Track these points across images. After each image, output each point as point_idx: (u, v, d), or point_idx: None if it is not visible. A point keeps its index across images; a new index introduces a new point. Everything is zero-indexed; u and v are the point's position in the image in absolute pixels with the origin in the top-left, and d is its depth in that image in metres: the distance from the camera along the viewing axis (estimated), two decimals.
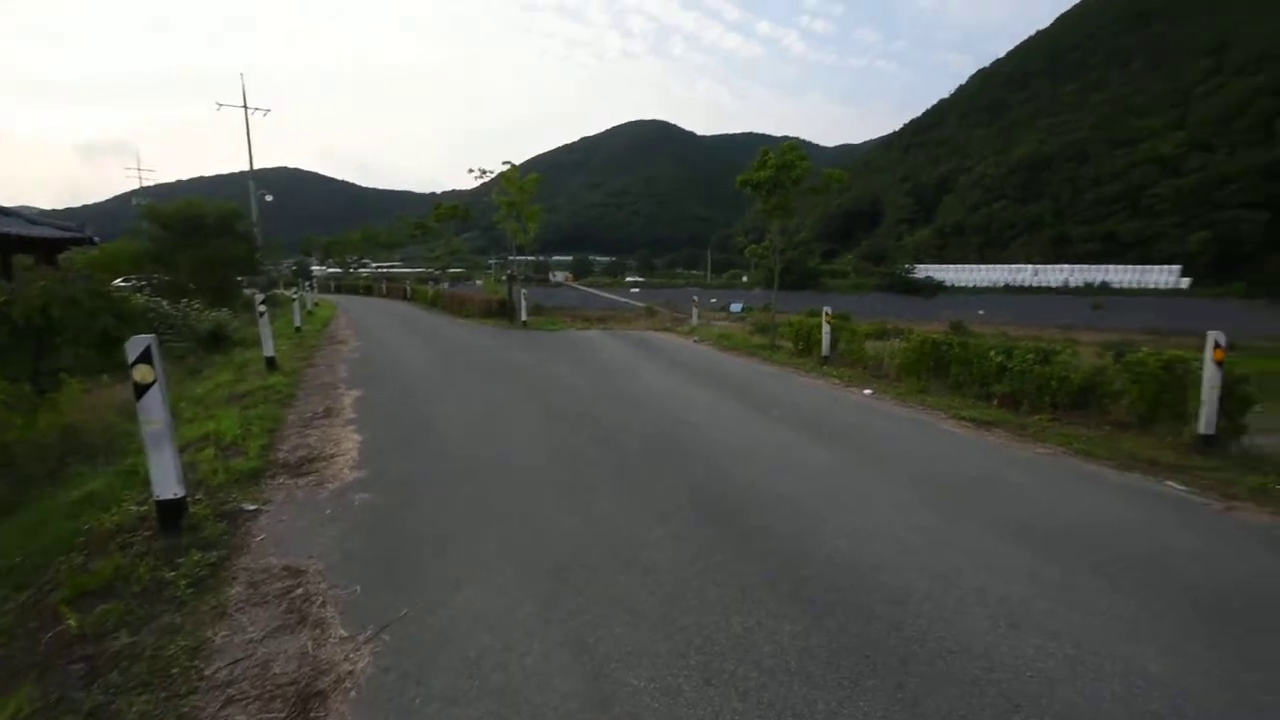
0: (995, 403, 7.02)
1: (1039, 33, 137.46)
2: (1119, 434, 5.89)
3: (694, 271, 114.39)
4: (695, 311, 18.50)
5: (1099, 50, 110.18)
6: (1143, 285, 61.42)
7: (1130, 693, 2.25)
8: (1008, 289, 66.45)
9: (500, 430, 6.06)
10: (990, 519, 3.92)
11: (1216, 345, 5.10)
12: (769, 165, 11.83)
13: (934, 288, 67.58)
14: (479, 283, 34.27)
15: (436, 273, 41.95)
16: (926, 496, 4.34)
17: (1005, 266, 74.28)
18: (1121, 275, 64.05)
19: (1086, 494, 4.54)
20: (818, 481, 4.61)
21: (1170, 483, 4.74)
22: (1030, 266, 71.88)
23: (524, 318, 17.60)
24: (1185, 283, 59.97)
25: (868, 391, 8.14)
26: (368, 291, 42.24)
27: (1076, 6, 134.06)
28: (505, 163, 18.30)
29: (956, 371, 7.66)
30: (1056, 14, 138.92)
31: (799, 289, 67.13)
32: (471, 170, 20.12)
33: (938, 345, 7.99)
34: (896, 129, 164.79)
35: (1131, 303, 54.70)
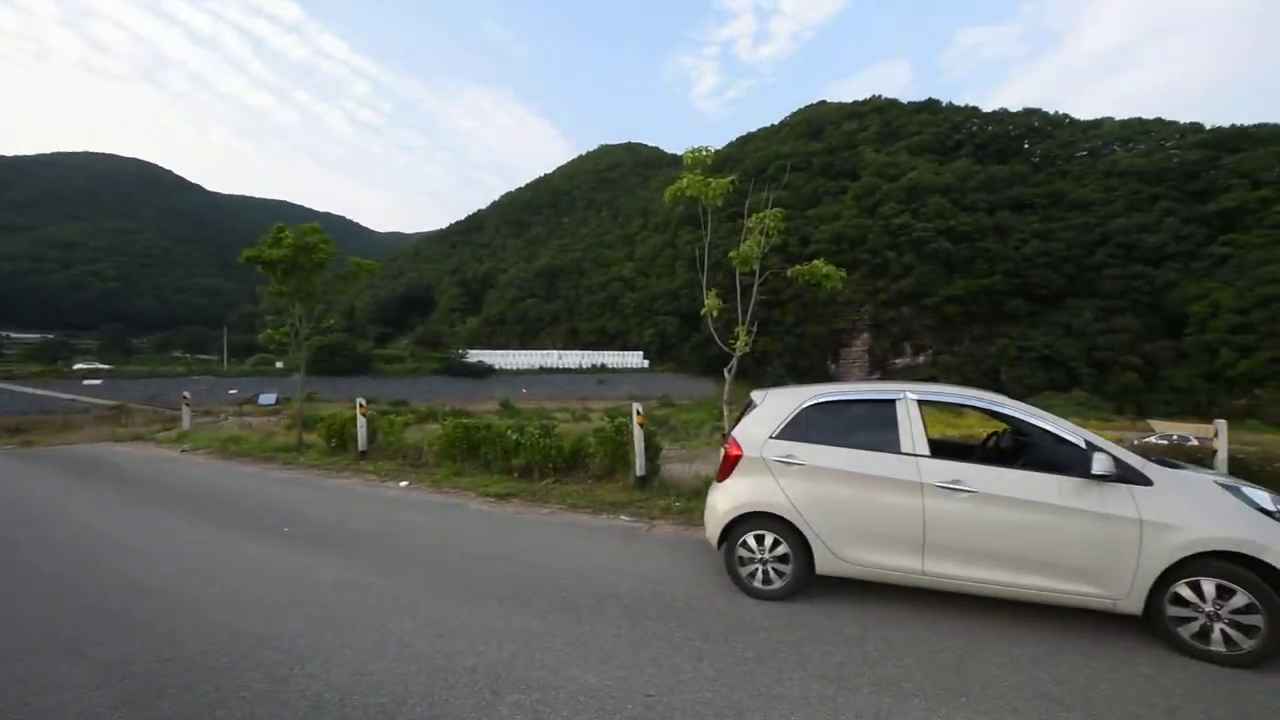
0: (515, 475, 8.03)
1: (545, 175, 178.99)
2: (597, 484, 7.65)
3: (205, 356, 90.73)
4: (187, 411, 14.32)
5: (584, 198, 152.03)
6: (625, 365, 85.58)
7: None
8: (543, 370, 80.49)
9: None
10: (493, 589, 4.29)
11: (638, 412, 7.34)
12: (285, 244, 10.64)
13: (486, 370, 75.00)
14: None
15: None
16: (442, 589, 4.41)
17: (539, 351, 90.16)
18: (612, 358, 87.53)
19: (573, 539, 5.61)
20: (327, 610, 4.05)
21: (622, 516, 6.41)
22: (556, 351, 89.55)
23: None
24: (646, 363, 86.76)
25: (404, 484, 7.98)
26: None
27: (570, 163, 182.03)
28: None
29: (485, 451, 8.43)
30: (556, 165, 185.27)
31: (351, 374, 62.24)
32: None
33: (469, 429, 8.64)
34: (444, 226, 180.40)
35: (621, 378, 74.99)
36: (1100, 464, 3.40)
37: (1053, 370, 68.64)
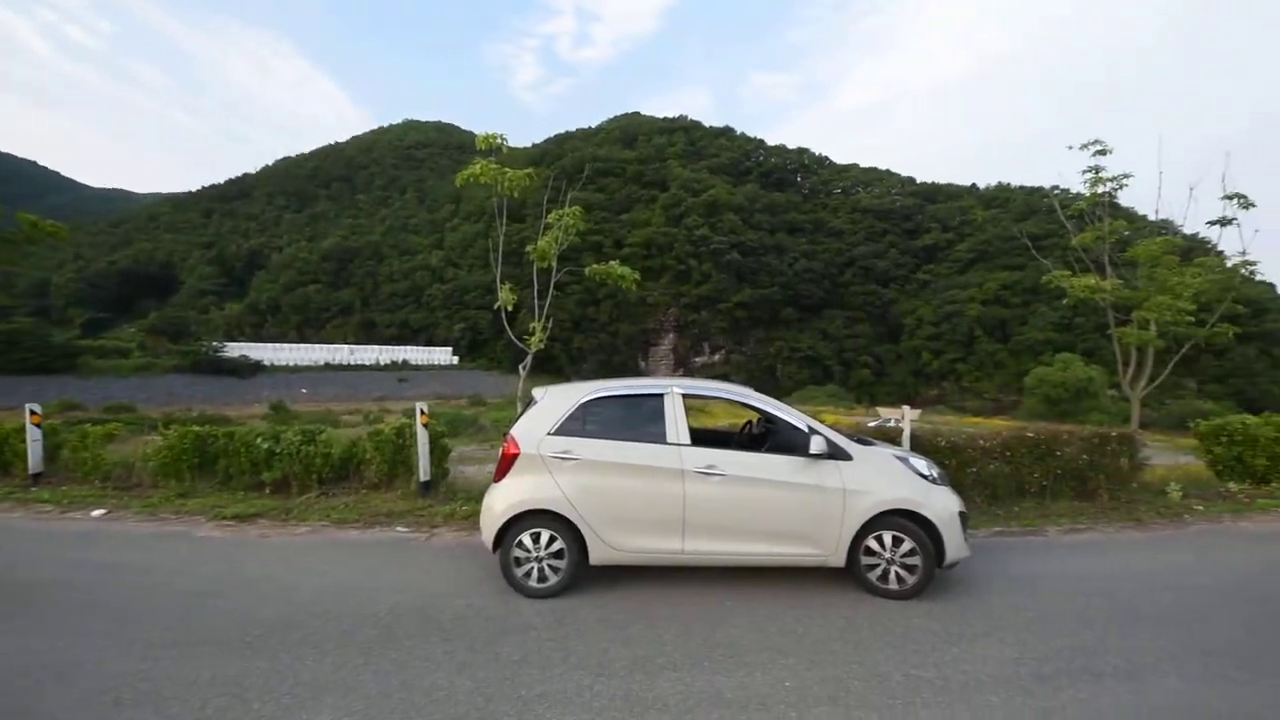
0: (268, 491, 6.78)
1: (337, 143, 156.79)
2: (372, 494, 6.84)
3: None
4: None
5: (384, 175, 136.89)
6: (431, 362, 79.26)
7: None
8: (329, 367, 70.24)
9: None
10: (211, 633, 3.51)
11: (422, 412, 6.76)
12: None
13: (252, 367, 62.92)
14: None
15: None
16: (136, 643, 3.47)
17: (325, 346, 78.55)
18: (417, 354, 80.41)
19: (332, 560, 4.90)
20: None
21: (399, 528, 5.82)
22: (347, 346, 79.05)
23: None
24: (455, 360, 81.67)
25: (99, 513, 6.18)
26: None
27: (369, 134, 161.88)
28: None
29: (225, 464, 6.97)
30: (350, 134, 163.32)
31: (42, 372, 47.14)
32: None
33: (201, 438, 7.06)
34: (194, 189, 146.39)
35: (425, 376, 69.30)
36: (816, 445, 4.05)
37: (814, 367, 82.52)
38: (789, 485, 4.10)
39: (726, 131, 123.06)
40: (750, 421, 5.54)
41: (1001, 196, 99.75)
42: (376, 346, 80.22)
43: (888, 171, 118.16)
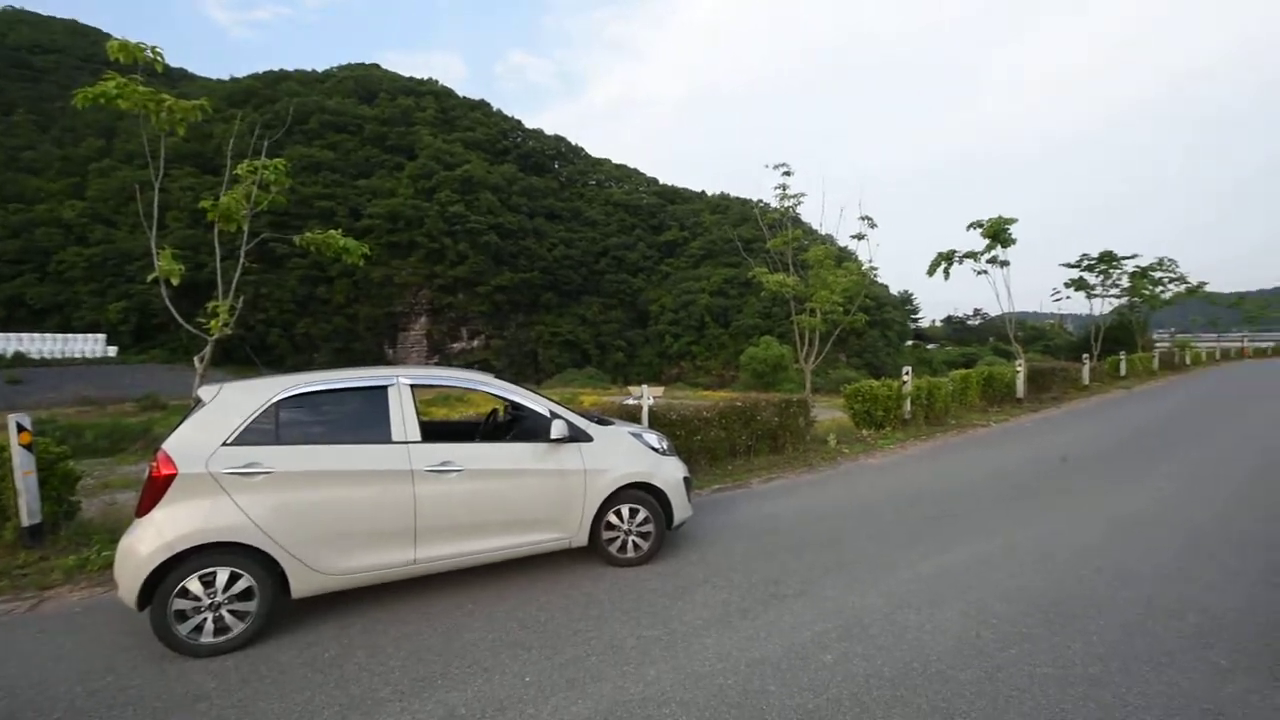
0: None
1: None
2: None
3: None
4: None
5: None
6: (69, 354, 57.59)
7: None
8: None
9: None
10: None
11: (21, 429, 4.71)
12: None
13: None
14: None
15: None
16: None
17: None
18: (43, 345, 57.44)
19: None
20: None
21: None
22: None
23: None
24: (114, 350, 61.16)
25: None
26: None
27: None
28: None
29: None
30: None
31: None
32: None
33: None
34: None
35: (59, 374, 50.23)
36: (558, 429, 4.03)
37: (574, 351, 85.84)
38: (532, 473, 4.00)
39: (482, 105, 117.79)
40: (496, 410, 5.29)
41: (724, 204, 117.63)
42: None
43: (636, 170, 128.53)
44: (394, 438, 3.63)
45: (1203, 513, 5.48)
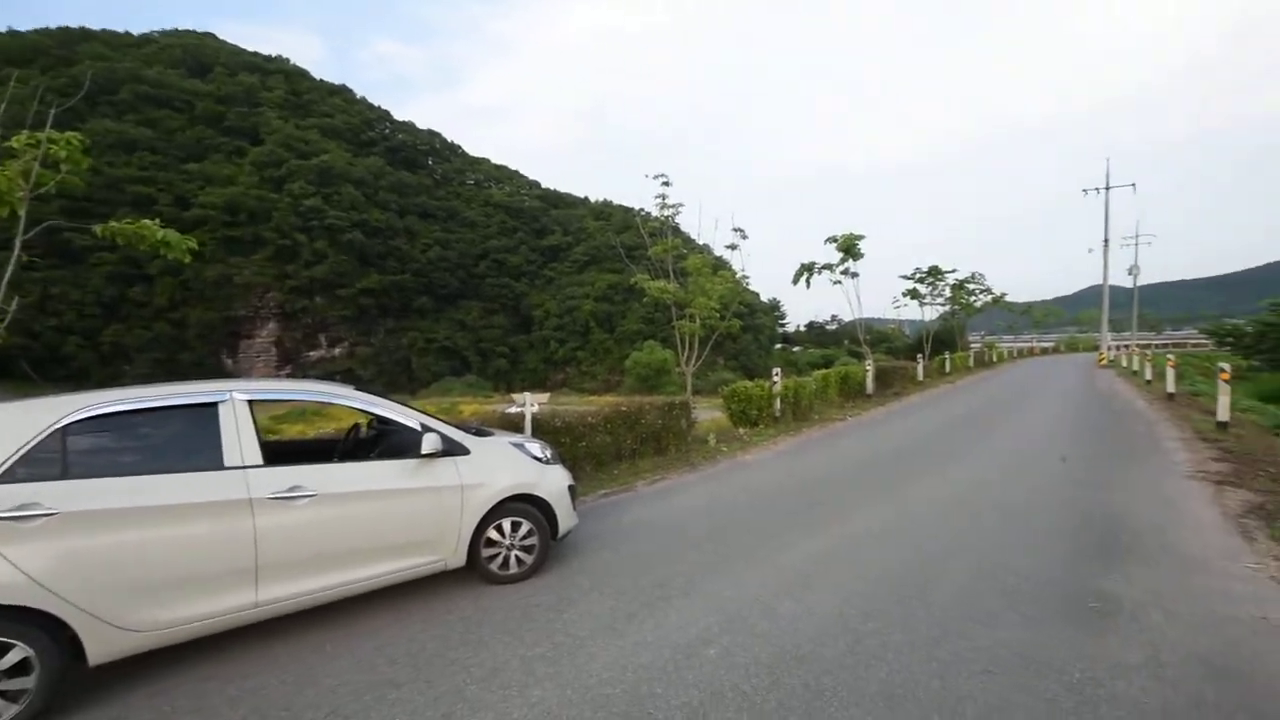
0: None
1: None
2: None
3: None
4: None
5: None
6: None
7: None
8: None
9: None
10: None
11: None
12: None
13: None
14: None
15: None
16: None
17: None
18: None
19: None
20: None
21: None
22: None
23: None
24: None
25: None
26: None
27: None
28: None
29: None
30: None
31: None
32: None
33: None
34: None
35: None
36: (429, 443, 3.73)
37: (452, 359, 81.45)
38: (400, 493, 3.66)
39: (343, 91, 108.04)
40: (358, 425, 4.79)
41: (606, 211, 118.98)
42: None
43: (517, 172, 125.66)
44: (227, 463, 3.11)
45: (1021, 486, 6.53)
